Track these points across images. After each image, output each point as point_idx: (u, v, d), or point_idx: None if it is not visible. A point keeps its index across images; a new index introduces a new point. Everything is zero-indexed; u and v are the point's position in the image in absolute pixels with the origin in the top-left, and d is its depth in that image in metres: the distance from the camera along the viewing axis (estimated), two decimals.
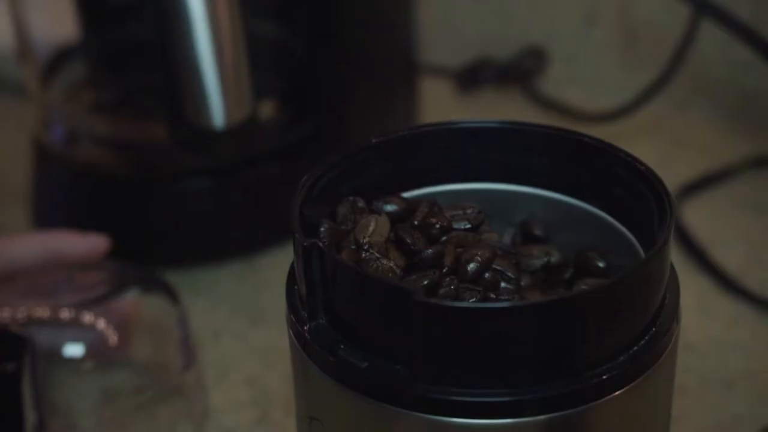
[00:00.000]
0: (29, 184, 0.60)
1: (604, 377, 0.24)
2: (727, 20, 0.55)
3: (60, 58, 0.62)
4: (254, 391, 0.46)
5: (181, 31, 0.49)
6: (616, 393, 0.24)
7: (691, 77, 0.64)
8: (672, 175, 0.57)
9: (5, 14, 0.61)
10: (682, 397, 0.44)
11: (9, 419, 0.29)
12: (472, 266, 0.24)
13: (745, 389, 0.45)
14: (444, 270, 0.24)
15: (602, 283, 0.24)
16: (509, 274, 0.24)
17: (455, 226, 0.26)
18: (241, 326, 0.49)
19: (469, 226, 0.26)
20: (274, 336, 0.48)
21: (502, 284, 0.24)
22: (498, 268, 0.24)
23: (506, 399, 0.23)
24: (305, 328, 0.25)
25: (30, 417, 0.31)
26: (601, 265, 0.26)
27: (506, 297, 0.23)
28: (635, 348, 0.25)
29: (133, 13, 0.61)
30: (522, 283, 0.25)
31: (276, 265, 0.53)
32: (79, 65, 0.62)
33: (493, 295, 0.24)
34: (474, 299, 0.23)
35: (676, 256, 0.51)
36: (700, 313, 0.50)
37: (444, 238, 0.26)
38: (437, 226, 0.26)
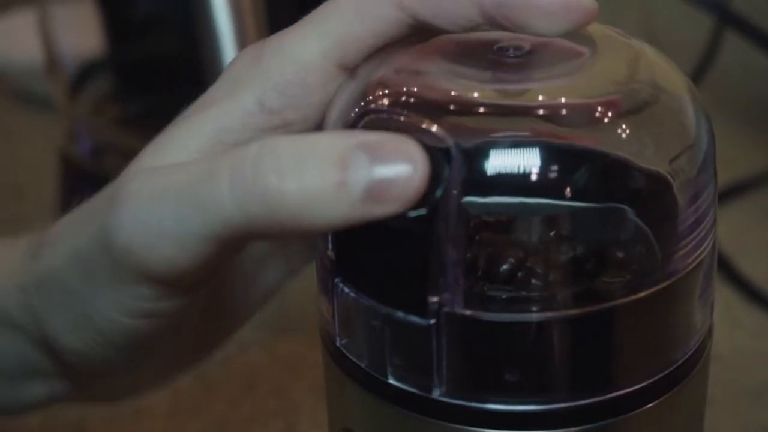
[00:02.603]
0: (56, 196, 0.61)
1: (638, 389, 0.24)
2: (749, 31, 0.55)
3: (86, 71, 0.63)
4: (281, 402, 0.46)
5: (208, 46, 0.49)
6: (650, 405, 0.24)
7: (713, 88, 0.64)
8: None
9: (33, 29, 0.61)
10: (710, 408, 0.43)
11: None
12: (505, 267, 0.24)
13: None
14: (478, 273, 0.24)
15: (639, 296, 0.24)
16: (539, 270, 0.24)
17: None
18: (267, 337, 0.49)
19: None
20: (300, 346, 0.49)
21: (533, 280, 0.24)
22: (528, 266, 0.24)
23: (539, 410, 0.23)
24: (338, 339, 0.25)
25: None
26: (620, 255, 0.26)
27: (537, 294, 0.23)
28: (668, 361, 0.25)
29: (158, 27, 0.61)
30: (550, 278, 0.25)
31: (302, 275, 0.53)
32: (106, 79, 0.63)
33: (524, 293, 0.23)
34: (505, 297, 0.23)
35: None
36: (727, 324, 0.50)
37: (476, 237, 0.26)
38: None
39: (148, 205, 0.23)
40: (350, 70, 0.25)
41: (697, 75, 0.61)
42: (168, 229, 0.23)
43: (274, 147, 0.22)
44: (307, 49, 0.25)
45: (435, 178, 0.22)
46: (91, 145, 0.60)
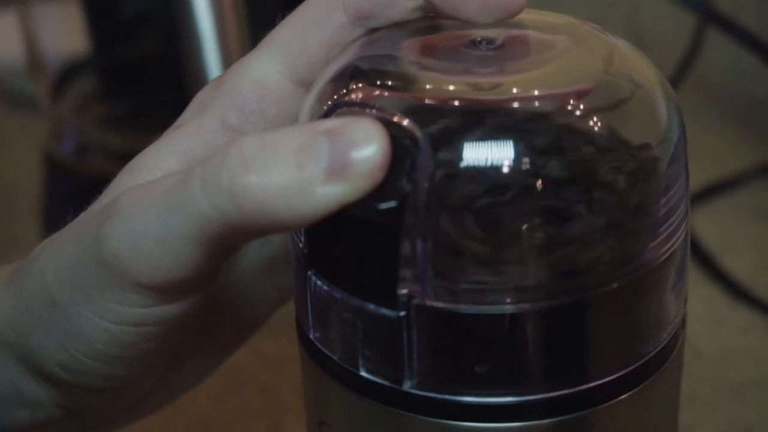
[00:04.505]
0: (40, 196, 0.61)
1: (612, 380, 0.24)
2: (733, 29, 0.55)
3: (70, 71, 0.63)
4: (266, 400, 0.46)
5: (189, 47, 0.49)
6: (623, 396, 0.24)
7: (698, 85, 0.64)
8: None
9: (16, 29, 0.61)
10: (693, 406, 0.44)
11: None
12: (475, 259, 0.23)
13: (757, 397, 0.45)
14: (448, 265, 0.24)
15: (611, 288, 0.24)
16: (510, 261, 0.23)
17: None
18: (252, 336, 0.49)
19: None
20: (285, 345, 0.49)
21: (504, 272, 0.24)
22: (499, 257, 0.24)
23: (511, 402, 0.23)
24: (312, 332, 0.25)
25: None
26: (593, 247, 0.25)
27: (508, 286, 0.22)
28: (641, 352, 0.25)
29: (143, 28, 0.61)
30: (521, 270, 0.24)
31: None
32: (90, 79, 0.63)
33: (496, 284, 0.23)
34: (476, 289, 0.22)
35: None
36: (711, 322, 0.50)
37: None
38: None
39: (134, 213, 0.24)
40: (308, 83, 0.26)
41: (682, 72, 0.62)
42: (152, 233, 0.24)
43: (240, 142, 0.22)
44: (262, 66, 0.27)
45: (404, 169, 0.22)
46: (74, 145, 0.60)
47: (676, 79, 0.61)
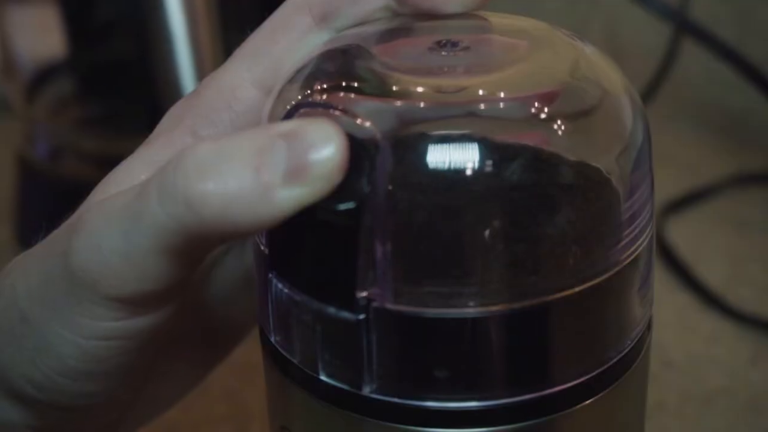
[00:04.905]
0: (13, 200, 0.60)
1: (576, 385, 0.24)
2: (708, 40, 0.55)
3: (45, 74, 0.62)
4: (232, 407, 0.46)
5: (163, 50, 0.49)
6: (587, 402, 0.24)
7: (674, 96, 0.64)
8: (656, 193, 0.57)
9: None
10: (660, 414, 0.44)
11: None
12: (435, 262, 0.23)
13: (724, 406, 0.45)
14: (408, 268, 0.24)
15: (574, 291, 0.24)
16: (471, 264, 0.23)
17: None
18: (235, 349, 0.49)
19: None
20: (252, 351, 0.48)
21: (465, 275, 0.23)
22: (460, 260, 0.23)
23: (473, 407, 0.23)
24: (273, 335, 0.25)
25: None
26: (556, 250, 0.25)
27: (470, 289, 0.22)
28: (606, 357, 0.25)
29: (120, 30, 0.61)
30: (483, 273, 0.24)
31: None
32: (65, 81, 0.62)
33: (456, 287, 0.23)
34: (436, 292, 0.22)
35: (658, 272, 0.51)
36: (681, 330, 0.50)
37: None
38: None
39: (99, 228, 0.24)
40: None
41: (658, 83, 0.62)
42: (116, 247, 0.23)
43: (195, 149, 0.22)
44: (232, 76, 0.27)
45: (363, 170, 0.21)
46: (48, 148, 0.60)
47: (652, 89, 0.62)
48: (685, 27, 0.57)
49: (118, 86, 0.60)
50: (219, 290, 0.30)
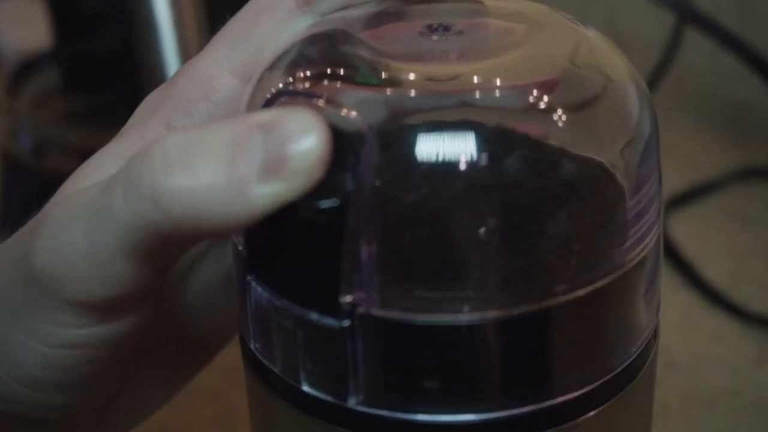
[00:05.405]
0: None
1: (578, 396, 0.22)
2: (712, 28, 0.55)
3: (29, 65, 0.62)
4: (220, 409, 0.45)
5: (147, 40, 0.49)
6: (590, 414, 0.23)
7: (677, 87, 0.63)
8: None
9: None
10: (663, 416, 0.43)
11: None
12: (426, 264, 0.22)
13: (728, 408, 0.44)
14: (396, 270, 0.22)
15: (577, 296, 0.23)
16: (465, 266, 0.22)
17: None
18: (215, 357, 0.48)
19: None
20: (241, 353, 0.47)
21: (458, 278, 0.22)
22: (453, 261, 0.22)
23: (466, 420, 0.22)
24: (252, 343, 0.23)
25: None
26: (557, 251, 0.23)
27: (463, 294, 0.21)
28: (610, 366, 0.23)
29: (107, 22, 0.60)
30: (478, 276, 0.23)
31: None
32: (50, 73, 0.62)
33: (449, 292, 0.21)
34: (427, 297, 0.21)
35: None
36: (684, 329, 0.49)
37: None
38: None
39: (63, 226, 0.22)
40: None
41: (660, 74, 0.61)
42: (80, 247, 0.22)
43: (164, 140, 0.20)
44: (209, 64, 0.25)
45: (347, 164, 0.20)
46: (32, 141, 0.59)
47: (654, 80, 0.61)
48: (687, 16, 0.56)
49: (104, 79, 0.60)
50: (198, 294, 0.28)
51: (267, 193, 0.20)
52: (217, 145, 0.20)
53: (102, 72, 0.60)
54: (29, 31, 0.60)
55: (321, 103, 0.21)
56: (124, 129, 0.26)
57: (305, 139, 0.19)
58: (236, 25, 0.25)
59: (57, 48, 0.60)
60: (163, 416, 0.44)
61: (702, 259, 0.53)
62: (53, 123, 0.59)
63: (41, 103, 0.61)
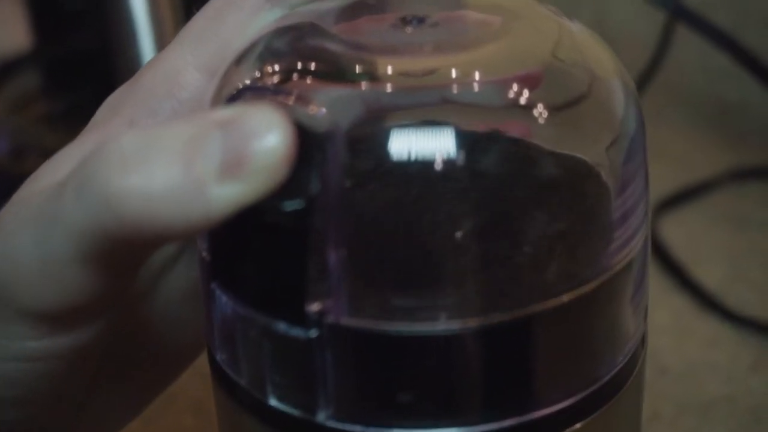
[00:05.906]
0: None
1: (562, 408, 0.22)
2: (703, 26, 0.54)
3: (8, 67, 0.62)
4: (200, 419, 0.44)
5: (124, 40, 0.48)
6: (576, 426, 0.22)
7: (668, 85, 0.63)
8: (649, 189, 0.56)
9: None
10: (655, 425, 0.42)
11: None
12: (398, 271, 0.21)
13: (723, 415, 0.43)
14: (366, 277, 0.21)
15: (559, 302, 0.22)
16: (440, 273, 0.21)
17: None
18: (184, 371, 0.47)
19: None
20: None
21: (433, 285, 0.21)
22: (427, 267, 0.21)
23: None
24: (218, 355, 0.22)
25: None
26: (538, 255, 0.22)
27: (438, 302, 0.20)
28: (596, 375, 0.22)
29: (87, 23, 0.60)
30: (454, 283, 0.22)
31: None
32: (29, 75, 0.61)
33: (423, 300, 0.20)
34: (399, 306, 0.20)
35: (652, 273, 0.49)
36: (677, 335, 0.48)
37: None
38: None
39: (12, 231, 0.21)
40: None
41: (650, 73, 0.60)
42: (30, 253, 0.21)
43: (119, 139, 0.19)
44: (173, 59, 0.24)
45: (313, 164, 0.19)
46: (11, 145, 0.58)
47: (644, 79, 0.60)
48: (678, 13, 0.55)
49: (84, 81, 0.59)
50: (168, 302, 0.27)
51: (226, 195, 0.18)
52: (174, 143, 0.19)
53: (81, 73, 0.59)
54: (9, 31, 0.60)
55: (288, 99, 0.20)
56: (85, 129, 0.25)
57: (267, 137, 0.18)
58: (201, 21, 0.24)
59: (36, 49, 0.60)
60: (138, 426, 0.43)
61: (695, 262, 0.52)
62: (33, 126, 0.58)
63: (21, 106, 0.60)
